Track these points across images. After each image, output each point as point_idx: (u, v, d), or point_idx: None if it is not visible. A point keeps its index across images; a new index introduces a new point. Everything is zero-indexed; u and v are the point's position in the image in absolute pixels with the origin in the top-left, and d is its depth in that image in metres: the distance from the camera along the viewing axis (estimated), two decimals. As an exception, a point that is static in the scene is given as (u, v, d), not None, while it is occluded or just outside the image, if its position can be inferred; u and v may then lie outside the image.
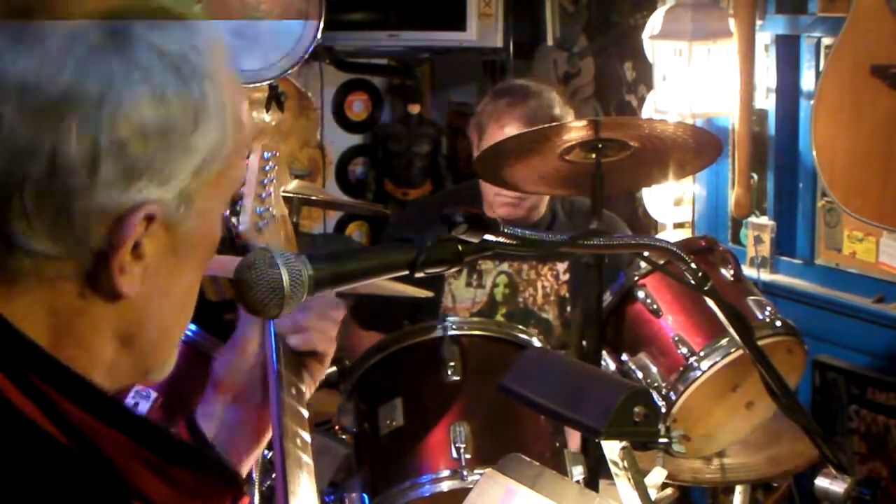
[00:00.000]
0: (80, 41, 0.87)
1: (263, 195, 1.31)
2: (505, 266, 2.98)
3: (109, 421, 0.89)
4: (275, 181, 1.34)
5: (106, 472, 0.87)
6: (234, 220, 1.29)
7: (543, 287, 2.97)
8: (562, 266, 2.97)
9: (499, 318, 2.99)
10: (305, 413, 1.22)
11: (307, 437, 1.20)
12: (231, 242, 1.32)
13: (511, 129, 2.80)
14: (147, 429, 0.91)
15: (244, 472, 1.30)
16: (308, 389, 1.30)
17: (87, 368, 0.92)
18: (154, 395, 1.94)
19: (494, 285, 3.00)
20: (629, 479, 1.53)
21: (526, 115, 2.82)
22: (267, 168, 1.33)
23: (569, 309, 2.96)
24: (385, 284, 2.53)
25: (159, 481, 0.91)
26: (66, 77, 0.85)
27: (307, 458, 1.18)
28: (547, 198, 3.00)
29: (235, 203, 1.30)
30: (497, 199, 2.89)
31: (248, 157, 1.33)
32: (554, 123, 2.64)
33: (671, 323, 2.33)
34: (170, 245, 0.92)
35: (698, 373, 2.24)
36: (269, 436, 1.31)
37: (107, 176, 0.87)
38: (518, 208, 2.89)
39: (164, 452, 0.91)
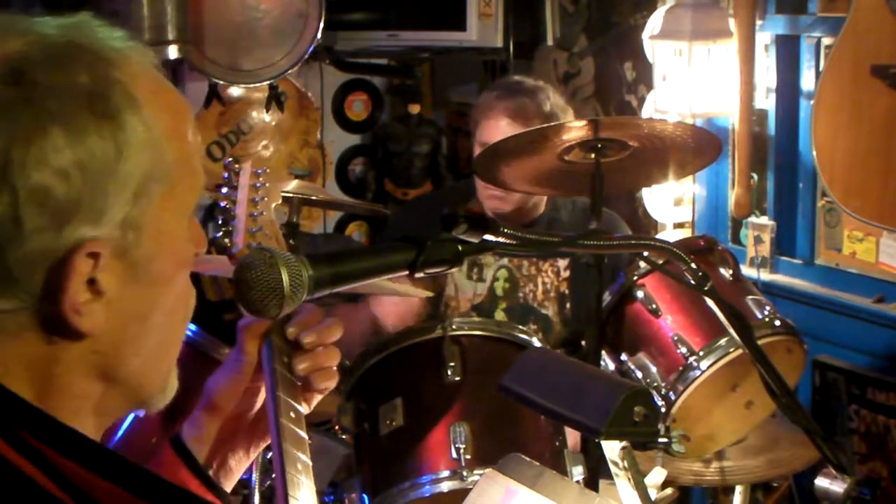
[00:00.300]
0: None
1: (256, 214, 1.31)
2: (505, 261, 2.99)
3: (104, 473, 0.87)
4: (266, 199, 1.34)
5: None
6: (226, 240, 1.29)
7: (544, 283, 2.98)
8: (562, 263, 2.98)
9: (499, 312, 2.99)
10: (305, 436, 1.22)
11: (307, 460, 1.20)
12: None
13: (498, 122, 2.85)
14: (143, 478, 0.90)
15: (233, 481, 1.28)
16: (307, 409, 1.29)
17: (75, 412, 0.92)
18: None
19: (494, 279, 3.01)
20: (629, 479, 1.53)
21: (512, 108, 2.85)
22: (258, 185, 1.33)
23: (568, 306, 2.96)
24: (385, 285, 2.54)
25: None
26: None
27: (308, 481, 1.18)
28: (545, 198, 3.00)
29: (227, 223, 1.29)
30: (485, 193, 2.90)
31: (239, 178, 1.33)
32: (553, 123, 2.64)
33: (670, 323, 2.33)
34: (129, 273, 0.92)
35: (698, 372, 2.24)
36: (258, 448, 1.30)
37: (34, 224, 0.86)
38: (505, 202, 2.90)
39: (159, 501, 0.90)
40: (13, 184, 0.85)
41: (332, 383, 1.30)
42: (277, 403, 1.20)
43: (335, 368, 1.30)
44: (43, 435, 0.86)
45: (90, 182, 0.88)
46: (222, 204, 1.29)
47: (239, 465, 1.29)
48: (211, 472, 1.25)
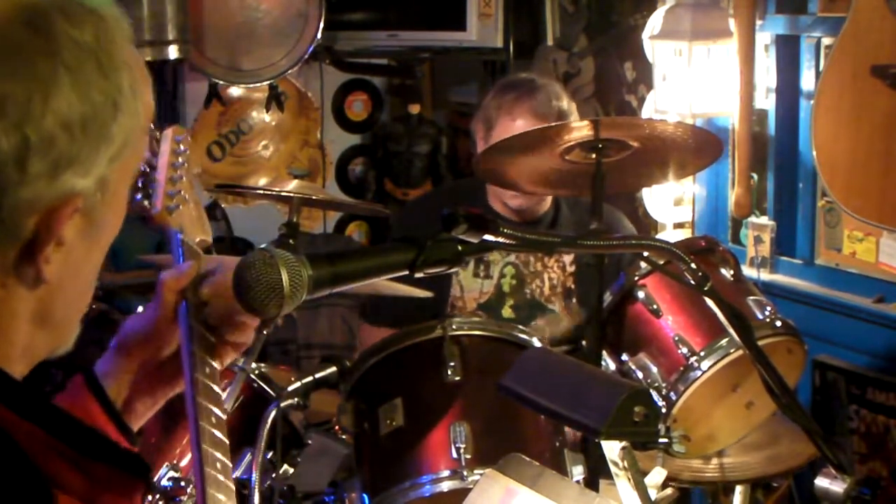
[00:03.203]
0: (3, 39, 0.88)
1: (175, 177, 1.34)
2: (512, 257, 2.99)
3: (25, 414, 0.91)
4: (186, 164, 1.37)
5: (25, 465, 0.89)
6: (146, 202, 1.32)
7: (550, 279, 2.98)
8: (568, 258, 2.98)
9: (506, 309, 2.99)
10: (219, 391, 1.24)
11: (221, 414, 1.21)
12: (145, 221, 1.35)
13: (522, 122, 2.82)
14: (61, 421, 0.93)
15: (139, 423, 1.30)
16: (220, 367, 1.29)
17: (6, 356, 0.94)
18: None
19: (501, 276, 3.01)
20: (629, 479, 1.53)
21: (535, 107, 2.84)
22: (178, 151, 1.36)
23: (574, 300, 2.97)
24: (384, 284, 2.54)
25: (75, 473, 0.93)
26: None
27: (221, 436, 1.20)
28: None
29: (147, 186, 1.32)
30: (506, 194, 2.89)
31: (159, 142, 1.36)
32: (556, 123, 2.64)
33: (671, 323, 2.33)
34: (86, 230, 0.95)
35: (698, 373, 2.24)
36: (165, 396, 1.31)
37: (35, 170, 0.89)
38: (528, 198, 2.90)
39: (77, 445, 0.93)
40: (25, 130, 0.88)
41: (245, 337, 1.31)
42: (192, 359, 1.21)
43: (248, 322, 1.30)
44: None
45: (88, 137, 0.91)
46: (143, 167, 1.33)
47: (145, 409, 1.29)
48: (118, 407, 1.26)
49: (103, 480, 0.95)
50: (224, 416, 1.21)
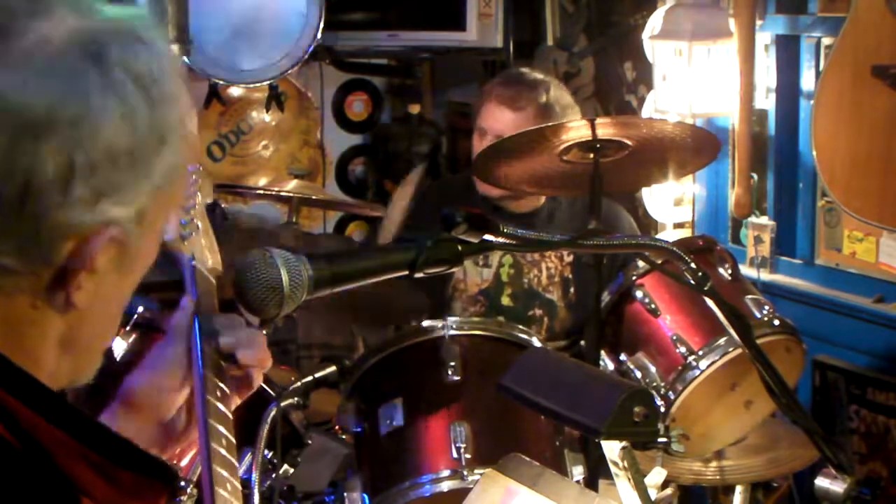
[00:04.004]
0: (61, 63, 0.89)
1: (188, 206, 1.36)
2: None
3: (54, 420, 0.91)
4: (198, 194, 1.39)
5: (52, 471, 0.89)
6: None
7: (548, 268, 3.00)
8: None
9: (504, 297, 3.01)
10: (230, 414, 1.23)
11: (233, 439, 1.21)
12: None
13: (492, 107, 2.90)
14: (90, 428, 0.94)
15: None
16: (233, 397, 1.27)
17: (33, 373, 0.94)
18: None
19: (500, 265, 3.03)
20: (629, 479, 1.53)
21: (508, 96, 2.90)
22: (191, 181, 1.38)
23: (572, 290, 2.98)
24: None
25: (101, 480, 0.93)
26: (46, 98, 0.87)
27: (231, 459, 1.20)
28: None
29: None
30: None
31: None
32: (554, 123, 2.64)
33: (669, 322, 2.33)
34: (120, 260, 0.95)
35: (697, 372, 2.24)
36: (172, 449, 1.29)
37: (77, 195, 0.89)
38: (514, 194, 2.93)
39: (105, 452, 0.93)
40: (72, 154, 0.88)
41: (251, 388, 1.29)
42: (204, 380, 1.21)
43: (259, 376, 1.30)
44: (5, 380, 0.90)
45: (132, 168, 0.92)
46: None
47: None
48: None
49: (129, 487, 0.95)
50: (233, 440, 1.21)
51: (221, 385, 1.24)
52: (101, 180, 0.90)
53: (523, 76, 3.01)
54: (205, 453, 1.17)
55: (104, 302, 0.97)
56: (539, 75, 3.04)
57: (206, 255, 1.39)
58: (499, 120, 2.92)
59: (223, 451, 1.18)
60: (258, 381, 1.29)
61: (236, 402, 1.29)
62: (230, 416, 1.23)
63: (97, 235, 0.91)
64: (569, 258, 3.01)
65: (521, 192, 2.82)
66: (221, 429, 1.20)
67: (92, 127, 0.89)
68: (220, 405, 1.22)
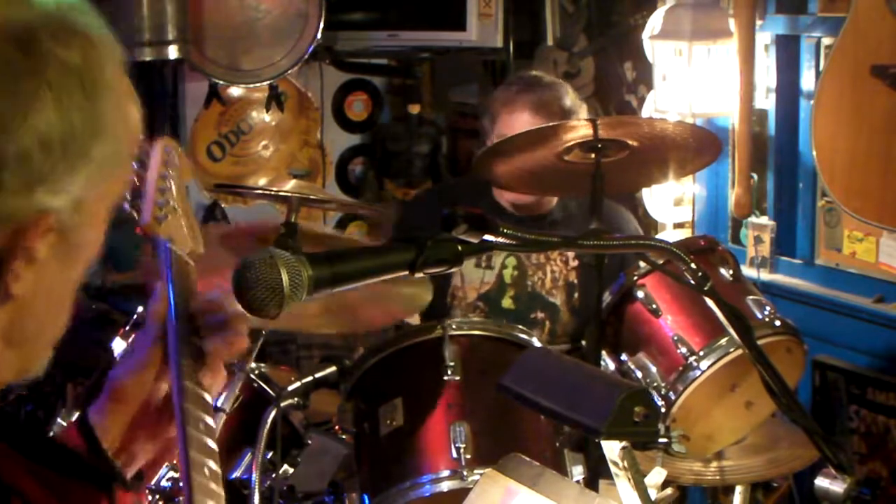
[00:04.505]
0: None
1: (164, 188, 1.34)
2: None
3: None
4: (176, 175, 1.37)
5: None
6: (134, 213, 1.32)
7: (552, 272, 2.99)
8: (571, 252, 2.99)
9: (507, 299, 3.00)
10: (209, 398, 1.22)
11: (211, 422, 1.20)
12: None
13: (521, 115, 2.85)
14: (24, 433, 0.94)
15: (136, 466, 1.25)
16: (211, 379, 1.26)
17: None
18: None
19: (503, 267, 3.01)
20: (629, 479, 1.53)
21: (535, 102, 2.86)
22: (168, 162, 1.36)
23: (576, 295, 2.97)
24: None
25: (35, 483, 0.93)
26: None
27: (210, 443, 1.18)
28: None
29: (136, 197, 1.32)
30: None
31: (150, 154, 1.36)
32: (555, 123, 2.64)
33: (670, 323, 2.33)
34: (61, 249, 0.95)
35: (697, 372, 2.24)
36: (163, 436, 1.27)
37: (9, 186, 0.89)
38: (528, 195, 2.91)
39: (38, 457, 0.94)
40: (3, 144, 0.88)
41: (237, 346, 1.27)
42: (180, 366, 1.20)
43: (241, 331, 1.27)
44: None
45: (66, 157, 0.91)
46: (133, 179, 1.33)
47: (143, 453, 1.26)
48: (111, 453, 1.23)
49: (63, 492, 0.95)
50: (213, 425, 1.20)
51: (200, 367, 1.22)
52: (33, 169, 0.89)
53: (541, 80, 2.97)
54: (181, 438, 1.15)
55: (47, 292, 0.96)
56: (550, 77, 3.03)
57: (184, 237, 1.37)
58: (528, 128, 2.88)
59: (201, 436, 1.17)
60: (240, 343, 1.27)
61: (219, 373, 1.27)
62: (209, 399, 1.22)
63: (32, 225, 0.91)
64: (574, 262, 2.99)
65: (522, 192, 2.81)
66: (199, 413, 1.18)
67: (21, 117, 0.88)
68: (198, 389, 1.20)
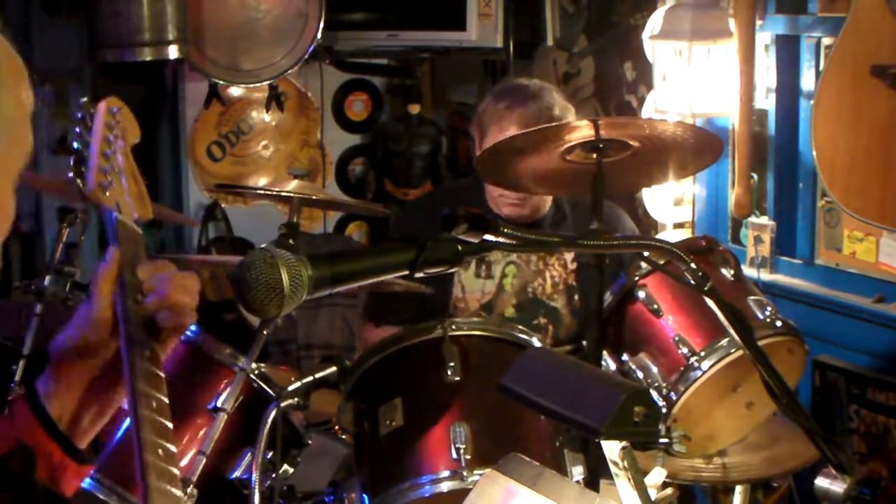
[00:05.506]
0: None
1: (108, 152, 1.27)
2: (513, 256, 2.99)
3: None
4: (120, 138, 1.31)
5: None
6: (78, 181, 1.26)
7: (552, 276, 2.98)
8: (569, 255, 2.99)
9: (509, 308, 3.00)
10: (161, 374, 1.18)
11: (164, 399, 1.16)
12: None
13: (510, 132, 2.82)
14: None
15: (87, 438, 1.25)
16: (162, 354, 1.23)
17: None
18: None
19: (503, 275, 3.01)
20: (629, 479, 1.53)
21: (526, 118, 2.83)
22: (112, 124, 1.30)
23: (576, 297, 2.97)
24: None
25: None
26: None
27: (163, 421, 1.15)
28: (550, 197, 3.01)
29: (80, 164, 1.27)
30: (501, 200, 2.91)
31: (93, 117, 1.30)
32: (556, 124, 2.64)
33: (671, 323, 2.33)
34: None
35: (699, 373, 2.24)
36: (112, 407, 1.26)
37: None
38: (522, 208, 2.91)
39: None
40: None
41: (185, 318, 1.23)
42: (130, 343, 1.16)
43: (190, 308, 1.23)
44: None
45: None
46: (74, 144, 1.27)
47: (93, 424, 1.25)
48: (62, 427, 1.22)
49: None
50: (165, 400, 1.16)
51: (150, 342, 1.19)
52: None
53: (528, 90, 2.91)
54: (133, 418, 1.12)
55: None
56: (536, 83, 2.99)
57: (131, 204, 1.30)
58: None
59: (153, 415, 1.13)
60: (189, 319, 1.23)
61: (169, 347, 1.24)
62: (161, 374, 1.18)
63: None
64: (573, 265, 2.99)
65: (525, 192, 2.80)
66: (151, 391, 1.15)
67: None
68: (149, 365, 1.17)
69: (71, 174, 1.25)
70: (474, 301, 3.00)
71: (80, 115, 1.28)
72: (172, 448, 1.14)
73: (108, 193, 1.26)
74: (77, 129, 1.26)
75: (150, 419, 1.13)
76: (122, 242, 1.24)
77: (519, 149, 2.40)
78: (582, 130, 2.30)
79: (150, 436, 1.12)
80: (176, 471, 1.13)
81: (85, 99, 1.29)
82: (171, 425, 1.15)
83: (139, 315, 1.19)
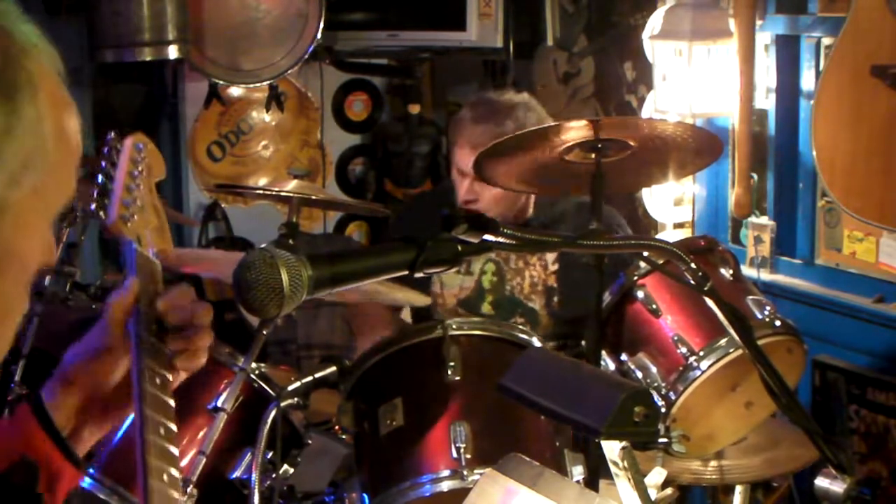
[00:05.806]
0: None
1: (132, 186, 1.30)
2: (493, 254, 3.00)
3: None
4: (144, 173, 1.34)
5: None
6: (101, 213, 1.29)
7: (531, 276, 2.99)
8: (550, 257, 2.99)
9: (486, 305, 3.01)
10: (171, 403, 1.19)
11: (173, 427, 1.17)
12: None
13: (463, 151, 2.85)
14: None
15: (84, 450, 1.25)
16: (173, 382, 1.24)
17: None
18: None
19: (482, 272, 3.02)
20: (629, 479, 1.53)
21: (474, 140, 2.82)
22: (137, 159, 1.33)
23: (556, 299, 2.97)
24: (384, 293, 2.55)
25: None
26: None
27: (171, 449, 1.16)
28: (533, 199, 3.01)
29: (104, 196, 1.29)
30: (460, 195, 2.92)
31: (119, 152, 1.33)
32: (555, 124, 2.64)
33: (670, 323, 2.33)
34: None
35: (698, 372, 2.24)
36: (112, 422, 1.27)
37: None
38: (504, 212, 2.91)
39: None
40: None
41: (197, 363, 1.25)
42: (141, 369, 1.18)
43: (204, 349, 1.25)
44: None
45: None
46: (99, 178, 1.29)
47: (91, 436, 1.25)
48: (65, 435, 1.22)
49: None
50: (174, 428, 1.18)
51: (162, 372, 1.20)
52: None
53: (493, 106, 2.90)
54: (139, 444, 1.13)
55: None
56: (508, 98, 2.96)
57: (154, 237, 1.33)
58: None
59: (160, 442, 1.14)
60: (203, 355, 1.25)
61: (181, 378, 1.25)
62: (171, 403, 1.19)
63: None
64: (553, 266, 2.99)
65: (525, 192, 2.80)
66: (160, 418, 1.16)
67: None
68: (158, 393, 1.18)
69: (94, 206, 1.28)
70: (452, 297, 3.01)
71: (106, 150, 1.31)
72: (177, 474, 1.15)
73: (129, 225, 1.30)
74: (103, 164, 1.29)
75: (156, 446, 1.14)
76: (139, 274, 1.26)
77: (518, 148, 2.40)
78: (581, 130, 2.30)
79: (156, 462, 1.13)
80: (182, 497, 1.15)
81: (112, 134, 1.32)
82: (176, 453, 1.17)
83: (151, 343, 1.21)
